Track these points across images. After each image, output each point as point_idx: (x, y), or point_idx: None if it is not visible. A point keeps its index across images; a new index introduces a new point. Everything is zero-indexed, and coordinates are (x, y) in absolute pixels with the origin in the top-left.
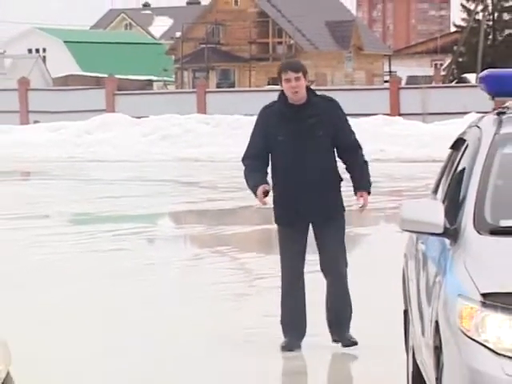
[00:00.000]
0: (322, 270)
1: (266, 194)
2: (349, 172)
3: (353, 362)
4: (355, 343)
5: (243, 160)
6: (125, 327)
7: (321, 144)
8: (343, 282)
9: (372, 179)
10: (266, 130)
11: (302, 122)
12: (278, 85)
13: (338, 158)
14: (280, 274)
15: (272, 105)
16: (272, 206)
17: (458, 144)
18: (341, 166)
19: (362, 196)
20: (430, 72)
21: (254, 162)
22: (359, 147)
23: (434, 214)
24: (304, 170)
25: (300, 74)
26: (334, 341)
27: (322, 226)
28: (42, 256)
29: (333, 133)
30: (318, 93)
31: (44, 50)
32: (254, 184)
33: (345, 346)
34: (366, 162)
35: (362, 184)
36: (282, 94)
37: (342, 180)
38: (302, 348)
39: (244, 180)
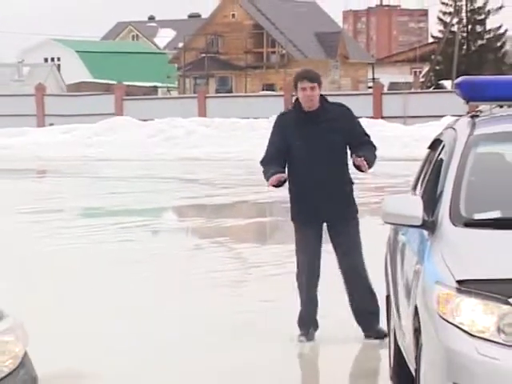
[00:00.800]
0: (341, 269)
1: (280, 182)
2: (352, 151)
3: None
4: (386, 335)
5: (261, 162)
6: (129, 311)
7: (334, 147)
8: (362, 278)
9: (355, 176)
10: (283, 136)
11: (316, 126)
12: (272, 90)
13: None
14: (296, 270)
15: (288, 112)
16: (288, 204)
17: (436, 144)
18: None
19: (359, 157)
20: (410, 79)
21: (272, 162)
22: (373, 145)
23: (414, 207)
24: (318, 172)
25: (315, 84)
26: (367, 336)
27: (336, 227)
28: (56, 246)
29: (346, 136)
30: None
31: (58, 59)
32: (273, 172)
33: (377, 338)
34: (374, 153)
35: (363, 153)
36: (297, 101)
37: (353, 183)
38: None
39: (262, 177)
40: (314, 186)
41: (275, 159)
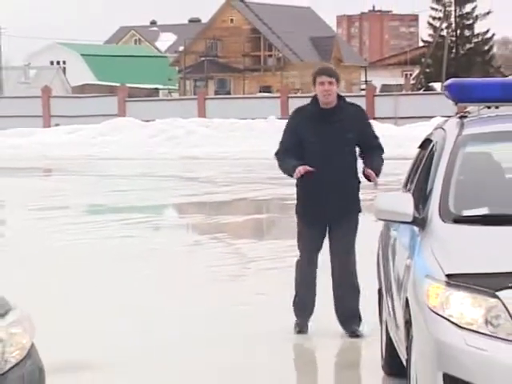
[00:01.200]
0: (332, 264)
1: (306, 171)
2: (363, 159)
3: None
4: (359, 336)
5: (276, 154)
6: (131, 306)
7: (346, 146)
8: (353, 278)
9: None
10: (297, 130)
11: (331, 124)
12: (268, 92)
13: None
14: (296, 261)
15: (304, 107)
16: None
17: (426, 144)
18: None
19: (368, 169)
20: (401, 81)
21: (288, 154)
22: (381, 149)
23: (405, 204)
24: (329, 171)
25: (333, 79)
26: (351, 334)
27: (337, 222)
28: (62, 241)
29: (358, 136)
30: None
31: (64, 62)
32: (294, 164)
33: (351, 337)
34: (382, 160)
35: (373, 165)
36: (315, 98)
37: (360, 182)
38: (309, 327)
39: (280, 170)
40: (325, 184)
41: (291, 151)
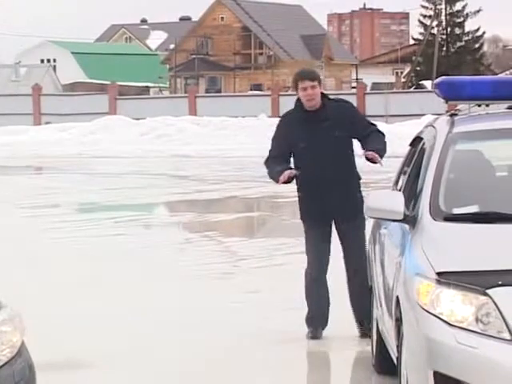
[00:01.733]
0: (345, 264)
1: (289, 178)
2: (363, 144)
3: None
4: (367, 335)
5: (266, 162)
6: (121, 301)
7: (338, 144)
8: (363, 277)
9: None
10: (287, 136)
11: (319, 125)
12: (259, 90)
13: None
14: (304, 267)
15: (290, 112)
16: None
17: (416, 142)
18: (361, 166)
19: (369, 151)
20: (392, 79)
21: (277, 161)
22: (380, 132)
23: (395, 202)
24: (325, 171)
25: (316, 83)
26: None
27: (344, 224)
28: (53, 239)
29: (351, 132)
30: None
31: (54, 60)
32: (278, 170)
33: (361, 336)
34: (383, 141)
35: (373, 145)
36: (298, 101)
37: (360, 179)
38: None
39: (269, 178)
40: (322, 185)
41: (279, 158)
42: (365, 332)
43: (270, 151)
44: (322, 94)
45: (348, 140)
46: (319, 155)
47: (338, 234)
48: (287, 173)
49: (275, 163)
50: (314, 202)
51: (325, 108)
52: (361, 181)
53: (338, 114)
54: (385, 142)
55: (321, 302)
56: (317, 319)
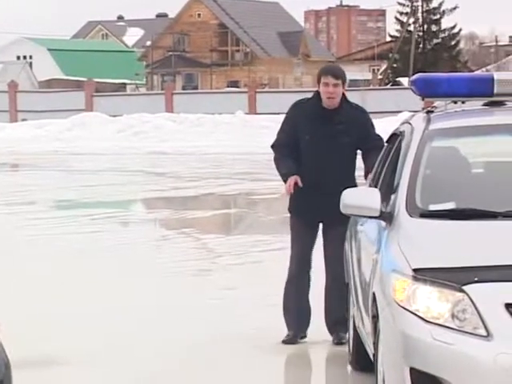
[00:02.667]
0: (326, 267)
1: (295, 185)
2: (365, 161)
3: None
4: (344, 344)
5: (273, 146)
6: (98, 298)
7: (344, 151)
8: (342, 282)
9: None
10: (295, 125)
11: (331, 126)
12: (236, 87)
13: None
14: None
15: (305, 101)
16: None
17: (393, 139)
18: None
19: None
20: (369, 76)
21: (285, 149)
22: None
23: (372, 199)
24: (323, 172)
25: (339, 81)
26: (337, 342)
27: (331, 227)
28: (29, 237)
29: (358, 140)
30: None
31: (30, 57)
32: (288, 171)
33: (335, 344)
34: (379, 149)
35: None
36: (318, 93)
37: (356, 186)
38: (301, 344)
39: (274, 166)
40: (319, 186)
41: (287, 148)
42: (340, 341)
43: (278, 136)
44: (343, 95)
45: (353, 148)
46: (322, 155)
47: (323, 237)
48: (292, 181)
49: (284, 155)
50: (306, 201)
51: (341, 111)
52: (357, 184)
53: (351, 121)
54: None
55: (299, 301)
56: (294, 320)
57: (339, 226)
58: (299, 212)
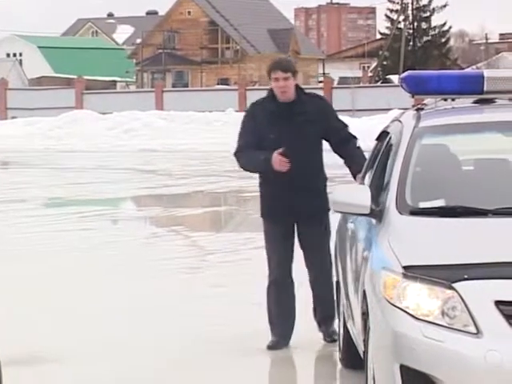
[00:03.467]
0: (307, 267)
1: (282, 155)
2: (347, 164)
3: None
4: (335, 341)
5: (236, 153)
6: (87, 297)
7: (310, 142)
8: (329, 278)
9: None
10: (256, 127)
11: (291, 119)
12: (226, 84)
13: (334, 153)
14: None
15: (260, 102)
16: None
17: (383, 136)
18: (326, 161)
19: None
20: (359, 74)
21: (250, 149)
22: (353, 137)
23: (362, 197)
24: (293, 168)
25: (289, 74)
26: (328, 338)
27: (307, 225)
28: (18, 234)
29: (323, 130)
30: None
31: (20, 55)
32: (265, 156)
33: (325, 340)
34: (359, 148)
35: (359, 166)
36: (271, 91)
37: (327, 179)
38: (289, 346)
39: (247, 170)
40: (288, 182)
41: (253, 147)
42: (332, 337)
43: (240, 141)
44: (297, 86)
45: (318, 138)
46: (290, 151)
47: (299, 236)
48: (277, 157)
49: (250, 152)
50: (278, 199)
51: (299, 101)
52: (327, 176)
53: (312, 110)
54: (363, 154)
55: (284, 309)
56: (278, 326)
57: (315, 221)
58: (273, 216)
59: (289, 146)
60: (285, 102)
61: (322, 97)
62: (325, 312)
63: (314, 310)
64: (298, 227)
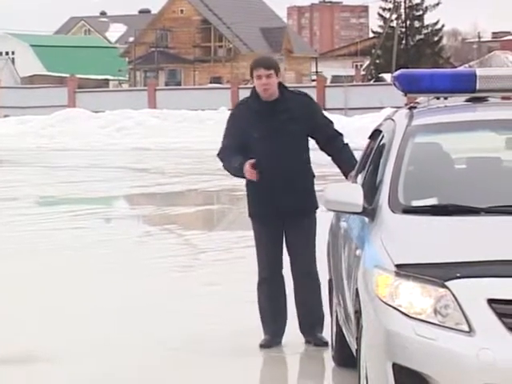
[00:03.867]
0: (291, 267)
1: (253, 167)
2: (335, 162)
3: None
4: (326, 344)
5: (219, 154)
6: (80, 295)
7: (295, 140)
8: (314, 281)
9: None
10: (240, 127)
11: (275, 117)
12: (219, 83)
13: (321, 151)
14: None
15: (245, 101)
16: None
17: (376, 135)
18: (319, 159)
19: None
20: (352, 72)
21: (232, 151)
22: (339, 134)
23: (354, 195)
24: (278, 167)
25: (271, 72)
26: (307, 342)
27: (294, 223)
28: (11, 233)
29: (309, 127)
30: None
31: (13, 53)
32: (240, 162)
33: (316, 345)
34: (347, 145)
35: (350, 169)
36: (254, 90)
37: (314, 176)
38: (282, 345)
39: (225, 170)
40: (275, 180)
41: (234, 149)
42: (321, 340)
43: (224, 142)
44: (280, 84)
45: (304, 135)
46: (273, 150)
47: (285, 234)
48: (249, 166)
49: (230, 156)
50: (265, 198)
51: (283, 99)
52: (317, 174)
53: (296, 108)
54: (351, 151)
55: (276, 307)
56: (270, 325)
57: (303, 219)
58: (260, 216)
59: (273, 146)
60: (268, 100)
61: (306, 94)
62: (312, 316)
63: (299, 319)
64: (285, 226)
